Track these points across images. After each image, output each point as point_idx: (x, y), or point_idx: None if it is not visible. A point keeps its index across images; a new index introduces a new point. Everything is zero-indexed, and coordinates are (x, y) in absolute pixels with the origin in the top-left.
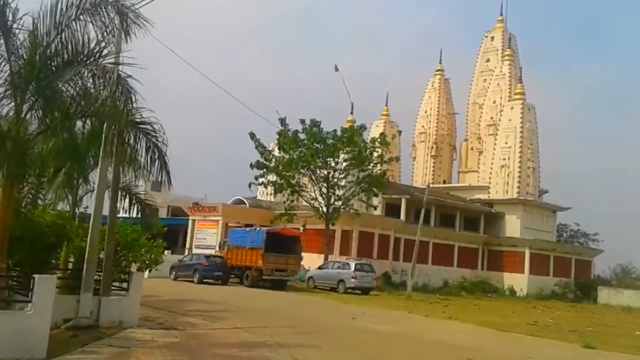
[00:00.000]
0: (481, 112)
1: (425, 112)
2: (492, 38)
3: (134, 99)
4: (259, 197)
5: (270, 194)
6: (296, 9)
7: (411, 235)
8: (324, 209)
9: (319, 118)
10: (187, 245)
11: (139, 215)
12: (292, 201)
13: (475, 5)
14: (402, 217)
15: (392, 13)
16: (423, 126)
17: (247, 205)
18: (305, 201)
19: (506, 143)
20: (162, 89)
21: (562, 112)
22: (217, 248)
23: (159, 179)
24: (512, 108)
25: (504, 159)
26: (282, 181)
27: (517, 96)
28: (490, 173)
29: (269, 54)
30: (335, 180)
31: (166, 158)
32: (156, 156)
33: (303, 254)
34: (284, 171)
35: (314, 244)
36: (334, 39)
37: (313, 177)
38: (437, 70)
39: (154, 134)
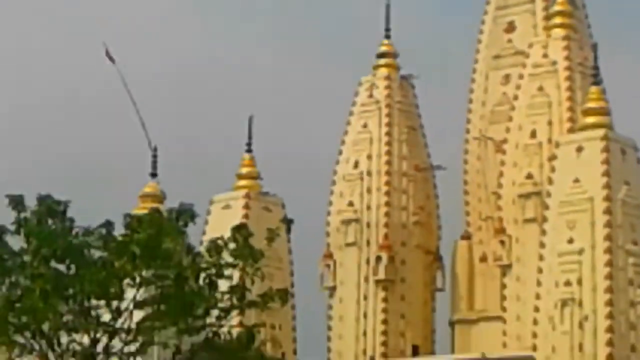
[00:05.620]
0: (502, 161)
1: (356, 166)
2: None
3: None
4: None
5: None
6: None
7: None
8: None
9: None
10: None
11: None
12: None
13: None
14: None
15: None
16: (351, 204)
17: None
18: None
19: (571, 241)
20: None
21: None
22: None
23: None
24: (579, 150)
25: (568, 285)
26: None
27: (591, 118)
28: (536, 322)
29: None
30: (117, 359)
31: None
32: None
33: None
34: None
35: None
36: None
37: (52, 352)
38: (380, 57)
39: None
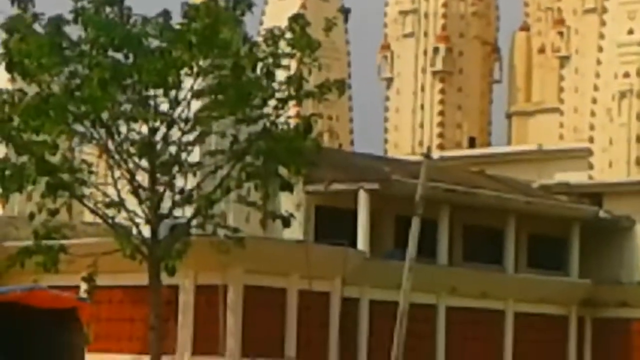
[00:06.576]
0: None
1: None
2: None
3: None
4: None
5: None
6: None
7: (388, 290)
8: (146, 231)
9: None
10: None
11: None
12: (56, 211)
13: None
14: (362, 241)
15: None
16: None
17: None
18: (93, 210)
19: (631, 32)
20: None
21: None
22: None
23: None
24: None
25: (627, 76)
26: (24, 160)
27: None
28: (594, 114)
29: None
30: (175, 148)
31: None
32: None
33: (92, 356)
34: (21, 126)
35: (122, 326)
36: None
37: (111, 141)
38: None
39: None
